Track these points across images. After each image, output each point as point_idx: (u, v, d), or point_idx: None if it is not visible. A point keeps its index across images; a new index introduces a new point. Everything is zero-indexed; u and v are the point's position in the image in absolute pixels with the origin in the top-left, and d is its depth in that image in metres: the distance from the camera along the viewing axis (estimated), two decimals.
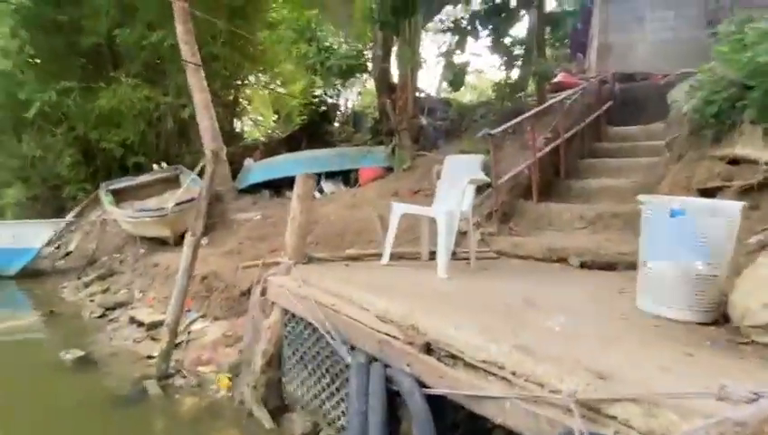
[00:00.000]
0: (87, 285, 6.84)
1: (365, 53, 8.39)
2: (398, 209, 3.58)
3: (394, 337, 2.24)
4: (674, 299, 2.39)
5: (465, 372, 1.91)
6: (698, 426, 1.27)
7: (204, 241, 5.67)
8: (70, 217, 9.28)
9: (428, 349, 2.08)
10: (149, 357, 4.15)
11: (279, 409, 3.12)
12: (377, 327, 2.35)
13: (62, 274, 7.79)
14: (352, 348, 2.49)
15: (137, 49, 9.10)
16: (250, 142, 12.25)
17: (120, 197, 8.33)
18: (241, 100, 12.28)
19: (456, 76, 8.06)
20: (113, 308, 5.70)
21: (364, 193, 6.79)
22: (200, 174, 7.63)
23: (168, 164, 8.94)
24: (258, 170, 8.56)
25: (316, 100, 11.38)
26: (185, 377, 3.80)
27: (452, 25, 8.09)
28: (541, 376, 1.65)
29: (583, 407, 1.48)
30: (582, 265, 3.76)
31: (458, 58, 8.17)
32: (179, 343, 4.19)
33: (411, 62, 7.46)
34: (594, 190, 5.58)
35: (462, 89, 10.34)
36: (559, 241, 4.19)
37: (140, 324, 4.93)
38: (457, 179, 3.61)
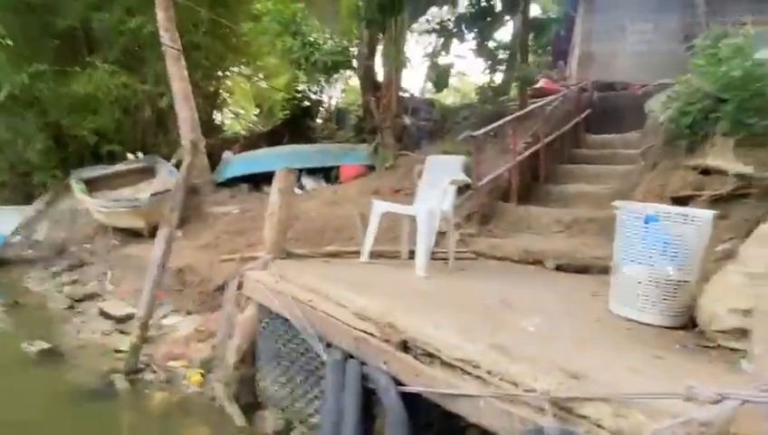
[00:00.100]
0: (55, 276, 6.62)
1: (350, 49, 8.35)
2: (379, 208, 3.57)
3: (371, 334, 2.23)
4: (645, 303, 2.45)
5: (441, 371, 1.91)
6: (666, 426, 1.30)
7: (178, 233, 5.55)
8: (38, 204, 8.96)
9: (405, 347, 2.08)
10: (118, 351, 4.03)
11: (251, 405, 3.08)
12: (354, 324, 2.34)
13: (29, 263, 7.49)
14: (328, 345, 2.47)
15: (115, 34, 8.81)
16: (230, 135, 12.03)
17: (92, 186, 8.05)
18: (222, 91, 12.04)
19: (440, 77, 8.10)
20: (82, 300, 5.52)
21: (345, 190, 6.75)
22: (177, 165, 7.48)
23: (143, 154, 8.71)
24: (238, 164, 8.40)
25: (299, 95, 11.25)
26: (155, 372, 3.71)
27: (438, 27, 8.13)
28: (515, 375, 1.67)
29: (555, 406, 1.50)
30: (558, 268, 3.84)
31: (443, 59, 8.24)
32: (150, 337, 4.09)
33: (396, 62, 7.46)
34: (572, 195, 5.69)
35: (445, 91, 10.40)
36: (536, 244, 4.25)
37: (110, 317, 4.79)
38: (439, 180, 3.63)
